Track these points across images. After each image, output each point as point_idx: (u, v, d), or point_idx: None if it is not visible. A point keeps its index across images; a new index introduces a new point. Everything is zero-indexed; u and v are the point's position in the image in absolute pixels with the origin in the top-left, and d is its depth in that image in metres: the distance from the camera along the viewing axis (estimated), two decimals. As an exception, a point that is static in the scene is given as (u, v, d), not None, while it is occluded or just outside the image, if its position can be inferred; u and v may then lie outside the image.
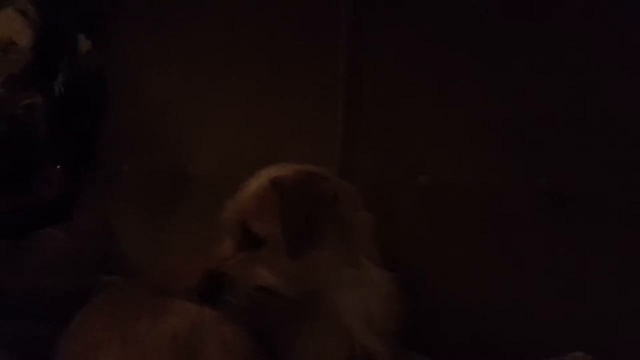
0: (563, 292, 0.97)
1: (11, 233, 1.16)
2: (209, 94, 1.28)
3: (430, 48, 1.08)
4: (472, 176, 1.04)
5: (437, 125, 1.08)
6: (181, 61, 1.31)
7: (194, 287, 0.79)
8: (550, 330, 0.96)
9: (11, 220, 1.29)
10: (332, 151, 1.13)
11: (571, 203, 0.98)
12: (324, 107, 1.17)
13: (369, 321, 0.86)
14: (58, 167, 1.46)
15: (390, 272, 0.89)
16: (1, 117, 1.44)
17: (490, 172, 1.03)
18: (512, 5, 1.03)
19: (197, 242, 1.00)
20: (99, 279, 1.04)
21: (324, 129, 1.16)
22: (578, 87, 0.99)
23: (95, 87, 1.46)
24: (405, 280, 0.90)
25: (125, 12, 1.39)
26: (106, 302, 0.87)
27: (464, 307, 1.01)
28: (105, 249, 1.19)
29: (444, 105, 1.08)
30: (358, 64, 1.14)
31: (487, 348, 0.97)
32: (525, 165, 1.01)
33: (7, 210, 1.31)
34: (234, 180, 0.88)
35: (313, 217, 0.80)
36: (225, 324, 0.80)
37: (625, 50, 0.98)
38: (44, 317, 0.94)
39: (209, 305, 0.80)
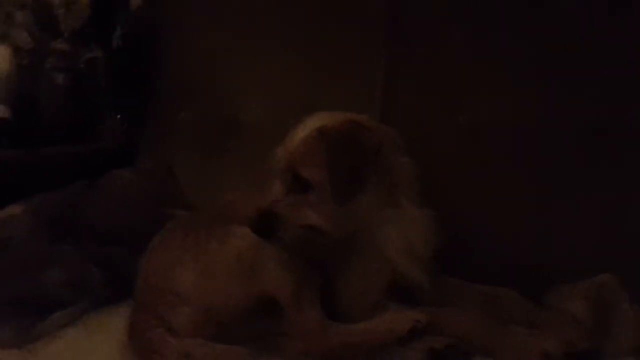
0: (602, 220, 1.01)
1: (82, 176, 1.29)
2: (258, 44, 1.35)
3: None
4: (509, 114, 1.08)
5: (476, 67, 1.11)
6: (231, 13, 1.37)
7: (248, 223, 0.87)
8: (586, 257, 1.01)
9: (80, 165, 1.43)
10: (374, 96, 1.18)
11: (605, 135, 1.01)
12: (367, 54, 1.21)
13: (409, 251, 0.93)
14: (118, 117, 1.59)
15: (430, 210, 0.95)
16: (67, 70, 1.56)
17: (526, 109, 1.07)
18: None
19: (247, 181, 1.10)
20: (165, 213, 1.17)
21: (367, 75, 1.20)
22: (608, 26, 1.01)
23: (149, 40, 1.56)
24: (447, 215, 0.96)
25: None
26: (179, 228, 0.99)
27: (504, 237, 1.07)
28: (168, 188, 1.31)
29: (482, 48, 1.11)
30: (400, 10, 1.17)
31: (523, 274, 1.03)
32: (558, 101, 1.05)
33: (76, 157, 1.46)
34: (280, 125, 0.94)
35: (357, 166, 0.86)
36: (282, 248, 0.89)
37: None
38: (125, 243, 1.09)
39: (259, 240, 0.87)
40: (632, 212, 0.99)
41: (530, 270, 1.04)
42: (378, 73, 1.20)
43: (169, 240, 0.96)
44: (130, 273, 0.97)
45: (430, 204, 0.96)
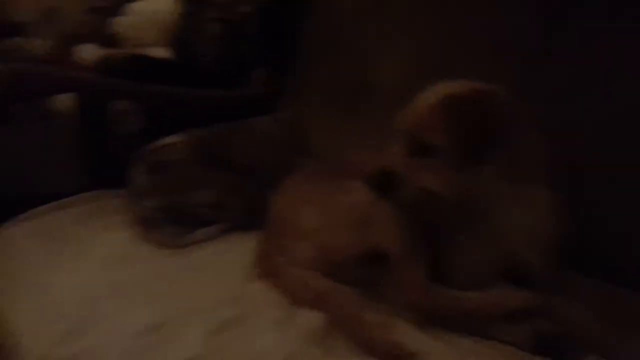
0: None
1: (229, 118, 1.44)
2: (394, 7, 1.37)
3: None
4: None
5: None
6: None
7: (368, 180, 0.91)
8: None
9: (228, 107, 1.60)
10: (512, 69, 1.12)
11: None
12: (509, 25, 1.16)
13: (529, 234, 0.90)
14: (264, 69, 1.73)
15: (557, 194, 0.90)
16: (223, 21, 1.73)
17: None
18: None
19: (374, 139, 1.09)
20: (294, 159, 1.30)
21: (506, 46, 1.16)
22: None
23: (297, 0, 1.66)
24: (577, 202, 0.92)
25: None
26: (309, 173, 1.10)
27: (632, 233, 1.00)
28: (301, 138, 1.43)
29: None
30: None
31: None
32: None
33: (225, 100, 1.63)
34: (411, 89, 0.94)
35: (481, 135, 0.85)
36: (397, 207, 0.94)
37: None
38: (260, 179, 1.24)
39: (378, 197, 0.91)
40: None
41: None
42: (518, 45, 1.14)
43: (298, 182, 1.07)
44: (263, 205, 1.10)
45: (561, 188, 0.91)
